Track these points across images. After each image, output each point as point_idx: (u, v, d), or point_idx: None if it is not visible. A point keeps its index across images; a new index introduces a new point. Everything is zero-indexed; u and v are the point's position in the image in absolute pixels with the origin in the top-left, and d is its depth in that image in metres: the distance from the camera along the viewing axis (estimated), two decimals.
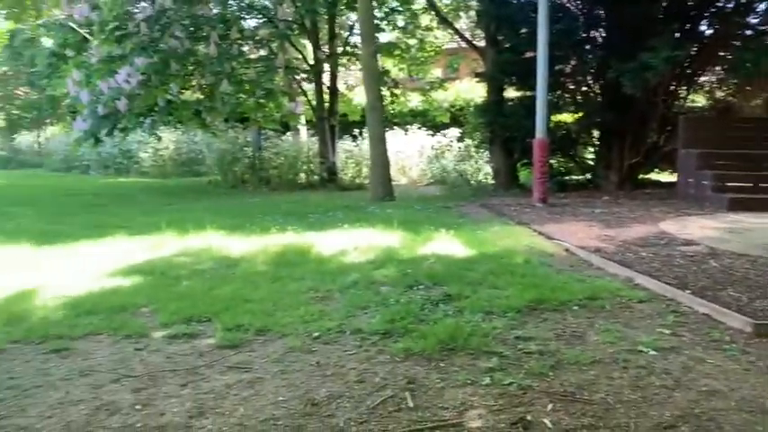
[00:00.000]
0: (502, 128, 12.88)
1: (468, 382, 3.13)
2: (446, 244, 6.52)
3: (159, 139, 16.12)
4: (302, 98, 15.48)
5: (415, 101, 17.96)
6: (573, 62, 12.95)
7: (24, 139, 25.40)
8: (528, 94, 12.68)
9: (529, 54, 12.13)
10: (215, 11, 13.51)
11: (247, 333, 3.91)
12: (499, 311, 4.22)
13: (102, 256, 6.32)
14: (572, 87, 13.37)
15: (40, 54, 18.32)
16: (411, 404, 2.90)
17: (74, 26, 12.23)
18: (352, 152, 16.16)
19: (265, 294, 4.77)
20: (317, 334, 3.87)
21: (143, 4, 12.31)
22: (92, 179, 17.92)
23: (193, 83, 13.95)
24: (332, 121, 15.47)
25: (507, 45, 13.09)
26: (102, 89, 12.38)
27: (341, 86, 16.64)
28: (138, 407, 2.93)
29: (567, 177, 13.75)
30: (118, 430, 2.71)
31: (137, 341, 3.85)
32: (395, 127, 16.72)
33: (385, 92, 13.69)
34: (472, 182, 14.34)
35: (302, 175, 15.99)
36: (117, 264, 5.97)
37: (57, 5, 9.63)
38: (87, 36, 12.38)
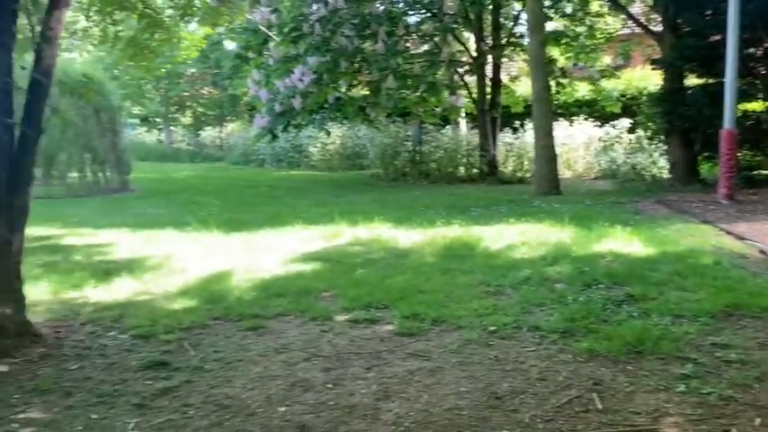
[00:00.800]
0: (681, 118, 11.94)
1: (661, 387, 2.95)
2: (623, 242, 6.18)
3: (328, 134, 16.94)
4: (463, 91, 15.45)
5: (582, 90, 17.19)
6: (766, 45, 11.67)
7: (208, 134, 27.93)
8: (711, 81, 11.65)
9: (714, 38, 11.14)
10: (382, 8, 13.89)
11: (424, 322, 4.00)
12: (690, 315, 3.93)
13: (283, 244, 6.78)
14: (764, 73, 12.06)
15: (225, 57, 20.06)
16: (600, 406, 2.79)
17: (258, 29, 13.20)
18: (512, 145, 15.86)
19: (437, 286, 4.83)
20: (492, 328, 3.86)
21: (316, 5, 12.96)
22: (267, 172, 19.29)
23: (360, 79, 14.47)
24: (493, 114, 15.28)
25: (689, 29, 12.11)
26: (279, 88, 13.26)
27: (503, 78, 16.37)
28: (329, 385, 3.11)
29: (755, 172, 12.44)
30: (312, 406, 2.90)
31: (322, 323, 4.09)
32: (560, 118, 16.13)
33: (551, 82, 13.24)
34: (646, 176, 13.44)
35: (461, 169, 15.98)
36: (297, 251, 6.38)
37: (244, 11, 10.52)
38: (268, 38, 13.30)
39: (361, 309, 4.33)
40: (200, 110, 27.98)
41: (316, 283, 5.01)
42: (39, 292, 4.74)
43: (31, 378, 3.27)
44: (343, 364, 3.39)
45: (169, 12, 6.28)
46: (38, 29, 3.91)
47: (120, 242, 7.11)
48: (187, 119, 28.66)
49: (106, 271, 5.64)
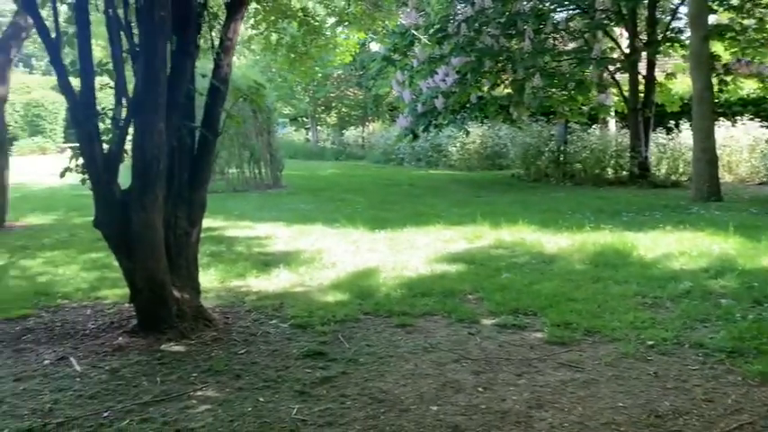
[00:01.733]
0: None
1: None
2: None
3: (467, 133, 16.89)
4: (613, 89, 14.71)
5: (747, 87, 15.71)
6: None
7: (351, 133, 28.94)
8: None
9: None
10: (529, 6, 13.61)
11: (575, 332, 3.89)
12: None
13: (426, 243, 6.88)
14: None
15: (370, 59, 20.65)
16: None
17: (405, 31, 13.47)
18: (666, 146, 14.85)
19: (588, 295, 4.68)
20: (651, 342, 3.67)
21: (463, 6, 12.98)
22: (406, 170, 19.61)
23: (503, 78, 14.27)
24: (646, 113, 14.40)
25: None
26: (422, 88, 13.42)
27: (658, 75, 15.37)
28: (480, 389, 3.13)
29: None
30: (464, 408, 2.93)
31: (469, 326, 4.12)
32: (720, 118, 14.86)
33: (713, 80, 12.25)
34: None
35: (609, 170, 15.23)
36: (440, 251, 6.45)
37: (397, 16, 10.84)
38: (415, 40, 13.52)
39: (508, 314, 4.30)
40: (345, 110, 29.00)
41: (460, 285, 5.05)
42: (208, 279, 5.19)
43: (205, 359, 3.60)
44: (493, 369, 3.39)
45: (326, 19, 6.59)
46: (216, 39, 4.29)
47: (277, 235, 7.59)
48: (332, 119, 29.84)
49: (265, 262, 6.06)
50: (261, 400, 3.08)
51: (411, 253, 6.35)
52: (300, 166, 20.09)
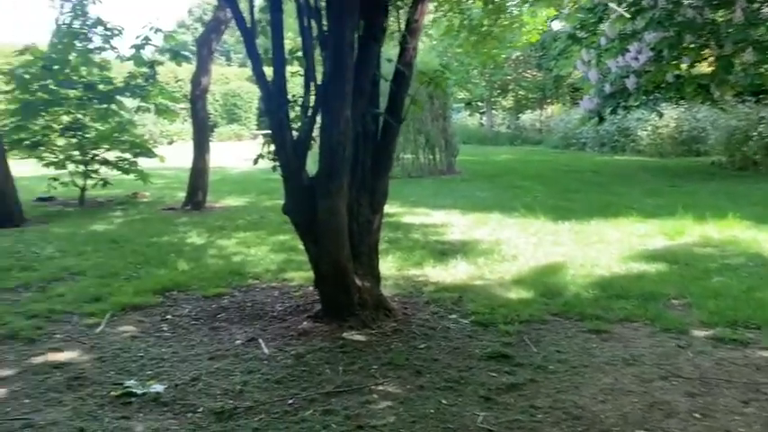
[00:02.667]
0: None
1: None
2: None
3: (660, 116, 15.42)
4: None
5: None
6: None
7: (528, 117, 27.99)
8: None
9: None
10: None
11: None
12: None
13: (618, 237, 6.29)
14: None
15: (553, 38, 19.68)
16: None
17: (593, 6, 12.56)
18: None
19: None
20: None
21: None
22: (588, 156, 18.46)
23: (706, 54, 12.75)
24: None
25: None
26: (611, 68, 12.42)
27: None
28: (696, 415, 2.69)
29: None
30: None
31: (677, 337, 3.61)
32: None
33: None
34: None
35: None
36: (634, 246, 5.86)
37: None
38: (604, 16, 12.55)
39: (724, 325, 3.72)
40: (522, 93, 28.09)
41: (663, 288, 4.48)
42: (386, 266, 5.14)
43: (385, 351, 3.51)
44: (711, 392, 2.90)
45: None
46: (402, 22, 4.15)
47: (453, 223, 7.42)
48: (508, 102, 29.08)
49: (442, 251, 5.91)
50: (443, 402, 2.90)
51: (601, 248, 5.83)
52: (474, 151, 19.77)
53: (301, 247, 4.17)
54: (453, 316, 4.09)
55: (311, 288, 4.67)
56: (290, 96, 3.84)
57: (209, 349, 3.59)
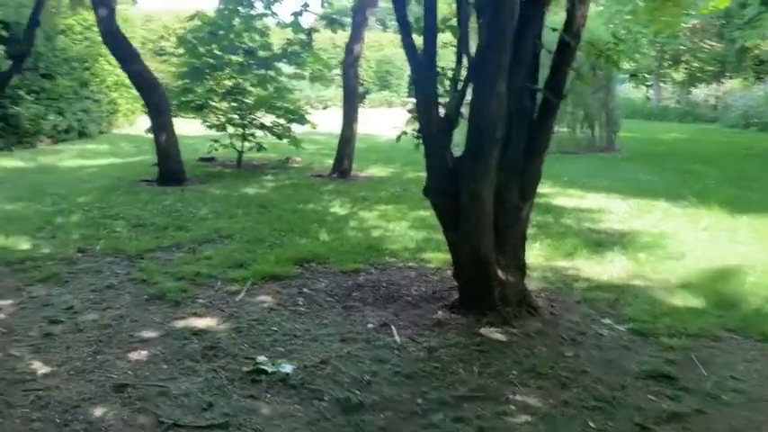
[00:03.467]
0: None
1: None
2: None
3: None
4: None
5: None
6: None
7: (701, 92, 25.36)
8: None
9: None
10: None
11: None
12: None
13: None
14: None
15: (740, 4, 17.46)
16: None
17: None
18: None
19: None
20: None
21: None
22: None
23: None
24: None
25: None
26: None
27: None
28: None
29: None
30: None
31: None
32: None
33: None
34: None
35: None
36: None
37: None
38: None
39: None
40: (696, 65, 25.43)
41: None
42: (533, 254, 4.74)
43: (527, 355, 3.19)
44: None
45: None
46: None
47: (610, 209, 6.80)
48: (680, 75, 26.48)
49: (597, 242, 5.39)
50: (591, 425, 2.55)
51: None
52: (638, 127, 18.22)
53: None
54: (607, 321, 3.65)
55: (449, 272, 4.44)
56: (439, 69, 3.56)
57: (340, 330, 3.49)
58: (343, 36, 9.56)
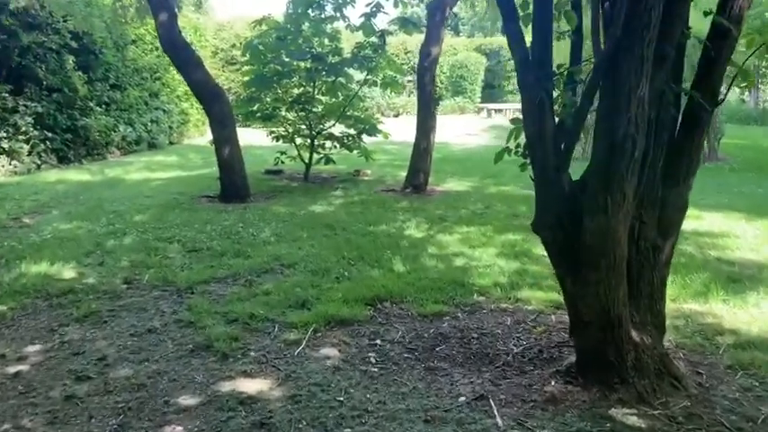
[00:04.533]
0: None
1: None
2: None
3: None
4: None
5: None
6: None
7: None
8: None
9: None
10: None
11: None
12: None
13: None
14: None
15: None
16: None
17: None
18: None
19: None
20: None
21: None
22: None
23: None
24: None
25: None
26: None
27: None
28: None
29: None
30: None
31: None
32: None
33: None
34: None
35: None
36: None
37: None
38: None
39: None
40: None
41: None
42: None
43: None
44: None
45: None
46: None
47: (735, 233, 5.75)
48: None
49: (731, 276, 4.42)
50: None
51: None
52: (737, 133, 16.59)
53: (537, 251, 3.11)
54: None
55: (553, 318, 3.61)
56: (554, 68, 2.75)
57: (423, 404, 2.72)
58: (415, 40, 8.92)
